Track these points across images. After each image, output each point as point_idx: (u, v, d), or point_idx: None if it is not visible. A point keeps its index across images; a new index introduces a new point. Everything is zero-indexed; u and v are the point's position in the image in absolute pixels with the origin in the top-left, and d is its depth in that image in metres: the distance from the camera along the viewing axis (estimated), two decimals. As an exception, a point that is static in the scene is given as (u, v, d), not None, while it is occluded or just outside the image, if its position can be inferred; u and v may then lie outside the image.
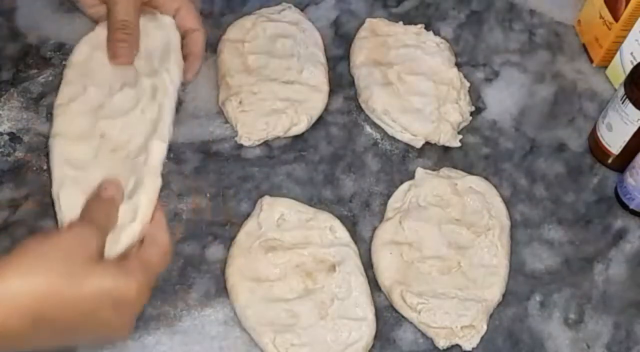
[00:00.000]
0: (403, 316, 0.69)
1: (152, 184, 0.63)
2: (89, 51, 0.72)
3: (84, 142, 0.67)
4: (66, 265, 0.52)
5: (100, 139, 0.67)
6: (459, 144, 0.81)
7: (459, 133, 0.81)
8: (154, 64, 0.72)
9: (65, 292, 0.51)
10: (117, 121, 0.68)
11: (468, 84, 0.85)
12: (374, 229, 0.74)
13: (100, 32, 0.72)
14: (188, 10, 0.75)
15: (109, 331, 0.55)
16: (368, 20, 0.88)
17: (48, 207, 0.68)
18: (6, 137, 0.76)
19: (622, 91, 0.75)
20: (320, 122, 0.81)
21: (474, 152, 0.81)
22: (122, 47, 0.70)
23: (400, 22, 0.89)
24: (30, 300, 0.50)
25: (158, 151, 0.66)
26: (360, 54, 0.85)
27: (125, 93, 0.70)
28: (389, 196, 0.76)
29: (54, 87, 0.79)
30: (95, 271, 0.53)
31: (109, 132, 0.67)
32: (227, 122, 0.80)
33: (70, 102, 0.69)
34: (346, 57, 0.86)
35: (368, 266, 0.71)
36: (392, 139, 0.81)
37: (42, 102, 0.79)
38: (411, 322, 0.69)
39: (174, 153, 0.77)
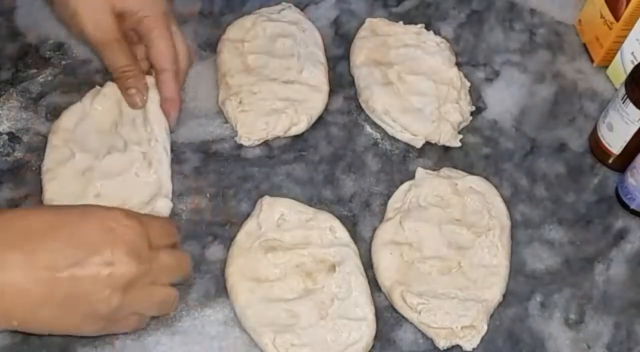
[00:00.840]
0: (403, 316, 0.69)
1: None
2: (75, 121, 0.75)
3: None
4: (41, 210, 0.56)
5: (95, 198, 0.70)
6: (459, 144, 0.81)
7: (459, 133, 0.81)
8: (139, 130, 0.75)
9: (56, 213, 0.54)
10: (112, 182, 0.71)
11: (468, 84, 0.85)
12: (374, 229, 0.74)
13: (87, 104, 0.75)
14: (163, 42, 0.74)
15: (109, 263, 0.53)
16: (368, 20, 0.88)
17: (47, 207, 0.68)
18: (5, 137, 0.76)
19: (622, 91, 0.75)
20: (320, 122, 0.81)
21: (474, 152, 0.81)
22: (134, 95, 0.73)
23: (401, 22, 0.89)
24: (19, 220, 0.52)
25: (165, 207, 0.71)
26: (360, 54, 0.85)
27: (115, 157, 0.73)
28: (389, 196, 0.76)
29: (54, 87, 0.80)
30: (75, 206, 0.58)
31: (104, 192, 0.70)
32: (227, 122, 0.80)
33: (59, 166, 0.72)
34: (346, 57, 0.86)
35: (368, 266, 0.71)
36: (392, 139, 0.81)
37: (42, 102, 0.79)
38: (411, 323, 0.69)
39: (174, 153, 0.77)
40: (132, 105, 0.74)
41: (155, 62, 0.74)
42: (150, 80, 0.75)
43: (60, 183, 0.70)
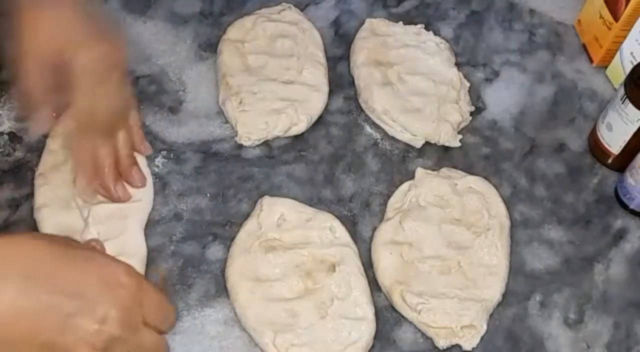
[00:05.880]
0: (403, 316, 0.69)
1: None
2: (74, 124, 0.73)
3: (69, 209, 0.70)
4: (53, 243, 0.52)
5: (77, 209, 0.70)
6: (459, 144, 0.81)
7: (459, 133, 0.81)
8: None
9: (63, 251, 0.51)
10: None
11: (468, 84, 0.85)
12: (374, 229, 0.74)
13: None
14: (76, 95, 0.65)
15: (100, 321, 0.51)
16: (368, 20, 0.88)
17: (48, 207, 0.69)
18: (6, 137, 0.76)
19: (622, 91, 0.75)
20: (320, 122, 0.81)
21: (474, 152, 0.81)
22: (31, 123, 0.68)
23: (400, 22, 0.89)
24: (27, 250, 0.50)
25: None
26: (360, 54, 0.85)
27: None
28: (389, 196, 0.76)
29: (54, 87, 0.80)
30: (82, 247, 0.55)
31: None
32: (227, 122, 0.80)
33: (52, 171, 0.72)
34: (346, 57, 0.86)
35: (368, 266, 0.71)
36: (392, 139, 0.81)
37: (42, 102, 0.79)
38: (411, 322, 0.69)
39: (174, 153, 0.77)
40: (31, 133, 0.72)
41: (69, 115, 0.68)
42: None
43: (51, 188, 0.71)
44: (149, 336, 0.55)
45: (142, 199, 0.72)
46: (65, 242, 0.54)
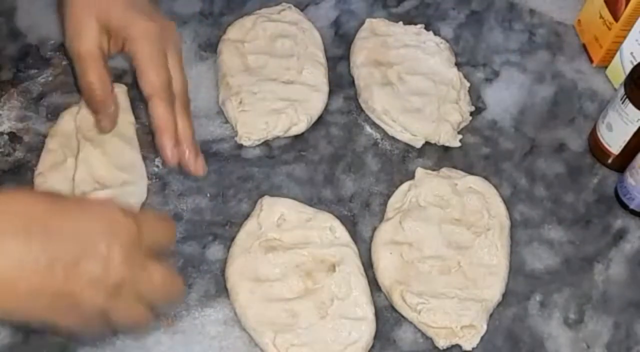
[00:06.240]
0: (403, 316, 0.69)
1: None
2: (72, 123, 0.75)
3: None
4: (42, 195, 0.52)
5: None
6: (459, 144, 0.81)
7: (459, 133, 0.81)
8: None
9: (54, 201, 0.51)
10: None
11: (468, 84, 0.85)
12: (374, 229, 0.74)
13: (84, 105, 0.75)
14: (148, 67, 0.65)
15: (104, 260, 0.50)
16: (368, 20, 0.88)
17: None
18: (6, 137, 0.76)
19: (622, 91, 0.75)
20: (320, 122, 0.81)
21: (474, 152, 0.81)
22: (98, 120, 0.70)
23: (400, 22, 0.89)
24: (19, 205, 0.49)
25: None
26: (360, 54, 0.85)
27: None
28: (389, 196, 0.76)
29: (54, 87, 0.80)
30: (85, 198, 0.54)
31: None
32: (227, 122, 0.80)
33: (51, 170, 0.72)
34: (346, 57, 0.86)
35: (368, 266, 0.71)
36: (392, 139, 0.81)
37: (42, 102, 0.79)
38: (411, 322, 0.69)
39: (174, 153, 0.77)
40: (98, 131, 0.72)
41: (141, 87, 0.66)
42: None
43: (50, 187, 0.71)
44: (159, 271, 0.54)
45: (136, 183, 0.72)
46: (56, 194, 0.53)
